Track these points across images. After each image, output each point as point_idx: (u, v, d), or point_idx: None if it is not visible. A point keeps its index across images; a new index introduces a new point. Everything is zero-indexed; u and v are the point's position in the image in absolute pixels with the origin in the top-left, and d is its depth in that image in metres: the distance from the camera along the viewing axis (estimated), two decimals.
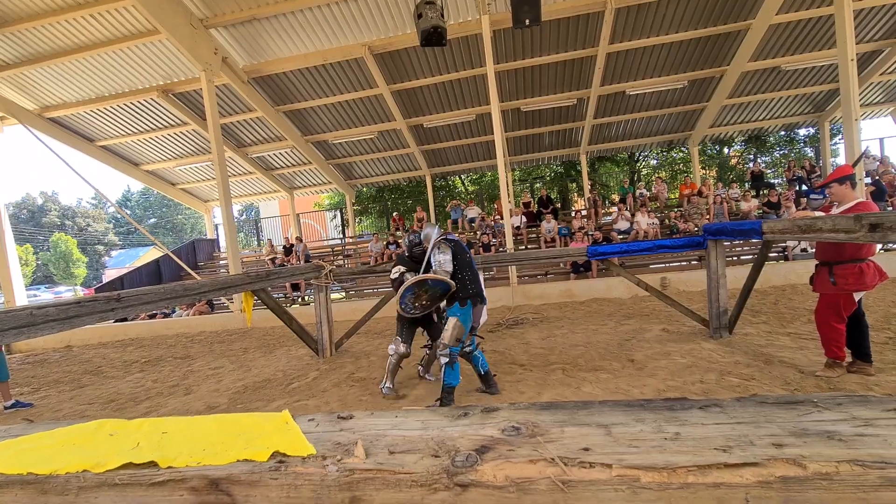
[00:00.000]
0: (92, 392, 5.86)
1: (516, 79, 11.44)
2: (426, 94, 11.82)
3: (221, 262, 15.60)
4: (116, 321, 10.89)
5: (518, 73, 11.25)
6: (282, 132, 12.51)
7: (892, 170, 11.96)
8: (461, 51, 10.46)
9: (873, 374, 3.71)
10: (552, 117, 13.15)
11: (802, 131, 17.25)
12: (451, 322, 3.71)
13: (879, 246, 8.82)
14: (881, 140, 13.49)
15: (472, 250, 11.31)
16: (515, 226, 12.28)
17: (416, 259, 4.31)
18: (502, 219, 12.84)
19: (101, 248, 45.90)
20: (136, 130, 12.81)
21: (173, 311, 11.63)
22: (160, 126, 12.69)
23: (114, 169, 14.06)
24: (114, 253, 45.88)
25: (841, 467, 0.50)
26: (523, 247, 12.19)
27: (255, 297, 5.54)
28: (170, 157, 14.11)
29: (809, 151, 16.37)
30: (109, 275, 33.45)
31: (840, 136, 15.80)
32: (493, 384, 4.11)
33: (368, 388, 4.76)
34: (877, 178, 10.33)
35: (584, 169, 15.27)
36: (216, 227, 17.22)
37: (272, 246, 14.48)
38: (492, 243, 11.45)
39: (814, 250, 4.07)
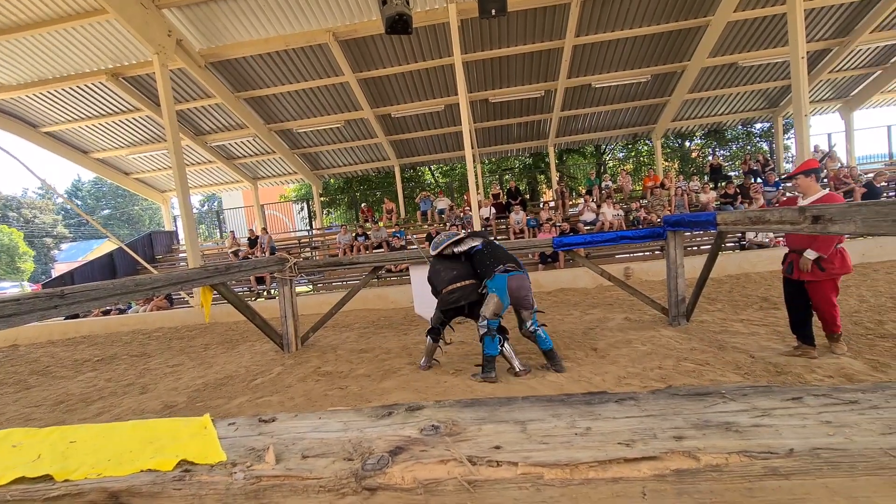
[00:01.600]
0: (39, 394, 5.55)
1: (484, 69, 11.41)
2: (393, 83, 11.64)
3: (181, 255, 15.02)
4: (67, 318, 10.34)
5: (486, 64, 11.22)
6: (243, 120, 12.07)
7: (839, 164, 12.69)
8: (428, 39, 10.33)
9: (816, 357, 3.93)
10: (520, 109, 13.22)
11: (758, 125, 18.02)
12: (490, 297, 4.13)
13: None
14: (829, 135, 14.25)
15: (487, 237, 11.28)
16: (485, 217, 12.33)
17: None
18: (472, 210, 12.87)
19: (49, 240, 43.32)
20: (84, 116, 12.07)
21: (129, 307, 11.13)
22: (110, 112, 12.01)
23: (61, 157, 13.23)
24: (64, 246, 43.37)
25: (731, 458, 0.51)
26: (492, 238, 12.26)
27: (215, 292, 5.37)
28: (122, 144, 13.39)
29: (765, 145, 17.15)
30: (59, 269, 31.65)
31: (793, 131, 16.59)
32: (558, 361, 4.23)
33: (335, 381, 4.70)
34: (869, 181, 10.48)
35: (552, 161, 15.46)
36: (174, 218, 16.53)
37: (235, 238, 14.03)
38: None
39: (769, 241, 4.31)
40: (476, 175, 10.94)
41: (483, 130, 14.15)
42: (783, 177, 11.40)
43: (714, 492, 0.49)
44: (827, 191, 4.00)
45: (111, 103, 11.66)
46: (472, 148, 9.76)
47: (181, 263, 14.42)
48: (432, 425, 0.68)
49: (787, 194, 4.22)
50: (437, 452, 0.60)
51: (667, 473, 0.51)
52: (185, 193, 9.45)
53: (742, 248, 9.85)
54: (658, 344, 4.90)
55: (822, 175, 12.02)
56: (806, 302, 3.96)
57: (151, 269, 11.08)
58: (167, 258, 15.20)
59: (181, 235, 15.97)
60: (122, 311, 11.09)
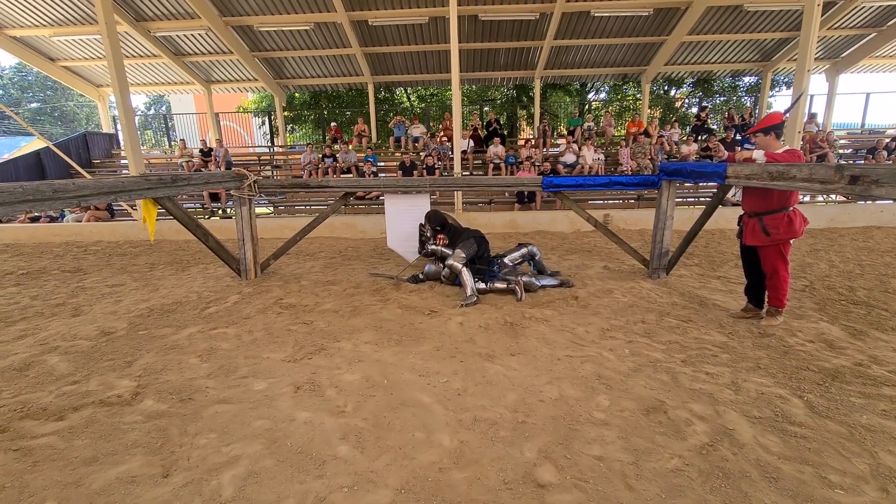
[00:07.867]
0: None
1: None
2: None
3: (123, 160, 13.48)
4: None
5: None
6: (193, 7, 10.31)
7: (816, 127, 12.70)
8: None
9: (762, 318, 3.92)
10: (511, 31, 12.08)
11: (745, 79, 17.65)
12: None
13: None
14: (811, 96, 14.10)
15: (415, 172, 10.62)
16: (462, 150, 11.62)
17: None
18: (449, 140, 12.08)
19: None
20: None
21: (62, 215, 9.96)
22: None
23: None
24: None
25: None
26: (468, 172, 11.67)
27: (159, 207, 4.65)
28: (43, 21, 11.24)
29: (748, 101, 16.91)
30: None
31: (778, 89, 16.38)
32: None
33: (299, 315, 4.30)
34: None
35: (537, 94, 14.60)
36: (113, 119, 14.64)
37: (185, 146, 12.63)
38: (436, 166, 10.79)
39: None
40: (460, 102, 10.05)
41: (468, 52, 12.95)
42: (745, 133, 11.29)
43: None
44: (787, 147, 3.69)
45: None
46: (458, 71, 8.80)
47: (124, 171, 12.98)
48: None
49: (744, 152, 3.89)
50: None
51: None
52: (123, 89, 8.11)
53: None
54: (639, 296, 4.77)
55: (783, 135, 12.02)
56: (759, 267, 3.83)
57: (86, 174, 9.83)
58: (106, 164, 13.61)
59: (122, 139, 14.27)
60: (53, 219, 9.93)
